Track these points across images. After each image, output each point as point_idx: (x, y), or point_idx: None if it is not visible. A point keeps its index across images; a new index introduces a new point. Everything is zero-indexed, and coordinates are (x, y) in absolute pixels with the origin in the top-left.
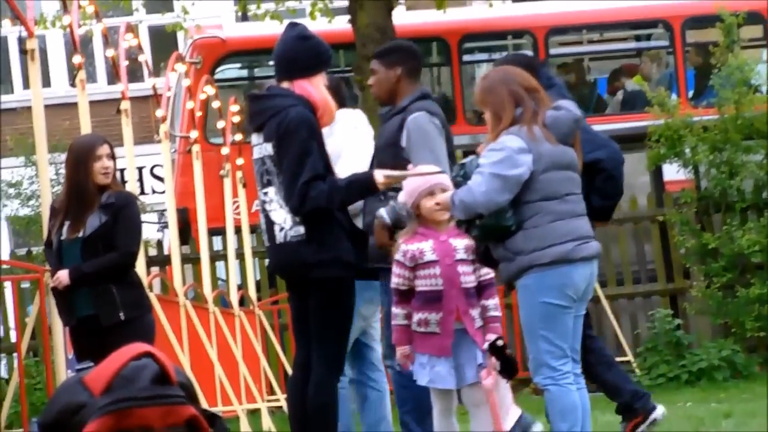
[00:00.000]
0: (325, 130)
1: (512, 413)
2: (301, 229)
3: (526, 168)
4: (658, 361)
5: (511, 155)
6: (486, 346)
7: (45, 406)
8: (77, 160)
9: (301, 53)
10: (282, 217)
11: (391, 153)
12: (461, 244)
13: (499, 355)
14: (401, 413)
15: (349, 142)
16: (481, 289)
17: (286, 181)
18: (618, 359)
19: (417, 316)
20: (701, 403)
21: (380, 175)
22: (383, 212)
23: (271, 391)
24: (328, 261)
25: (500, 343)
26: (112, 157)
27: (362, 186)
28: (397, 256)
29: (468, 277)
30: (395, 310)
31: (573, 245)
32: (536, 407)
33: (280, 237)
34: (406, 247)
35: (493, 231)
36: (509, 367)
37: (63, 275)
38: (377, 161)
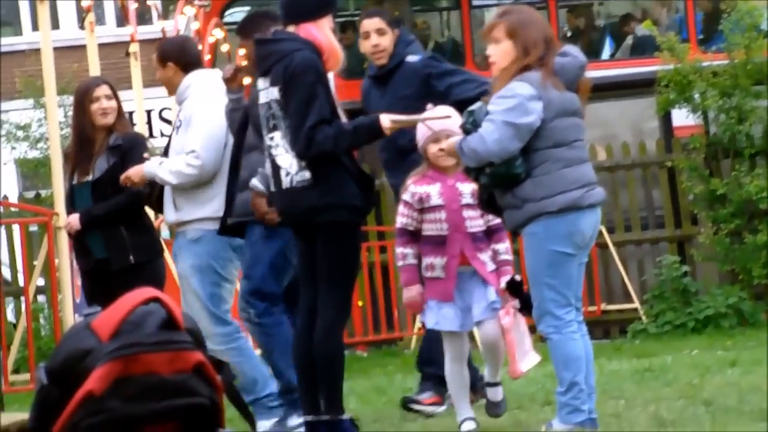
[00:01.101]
0: (177, 97)
1: (530, 358)
2: (307, 174)
3: (537, 115)
4: (665, 309)
5: (523, 102)
6: (503, 285)
7: (52, 351)
8: (77, 103)
9: None
10: (288, 161)
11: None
12: (468, 188)
13: (517, 293)
14: (269, 361)
15: (200, 108)
16: (491, 233)
17: (292, 125)
18: (625, 306)
19: (424, 261)
20: (707, 350)
21: (387, 120)
22: (256, 182)
23: None
24: (335, 205)
25: (518, 278)
26: (114, 97)
27: (369, 130)
28: (405, 196)
29: (474, 222)
30: (404, 250)
31: (582, 192)
32: (543, 354)
33: (286, 182)
34: (414, 188)
35: (503, 179)
36: (528, 304)
37: (74, 219)
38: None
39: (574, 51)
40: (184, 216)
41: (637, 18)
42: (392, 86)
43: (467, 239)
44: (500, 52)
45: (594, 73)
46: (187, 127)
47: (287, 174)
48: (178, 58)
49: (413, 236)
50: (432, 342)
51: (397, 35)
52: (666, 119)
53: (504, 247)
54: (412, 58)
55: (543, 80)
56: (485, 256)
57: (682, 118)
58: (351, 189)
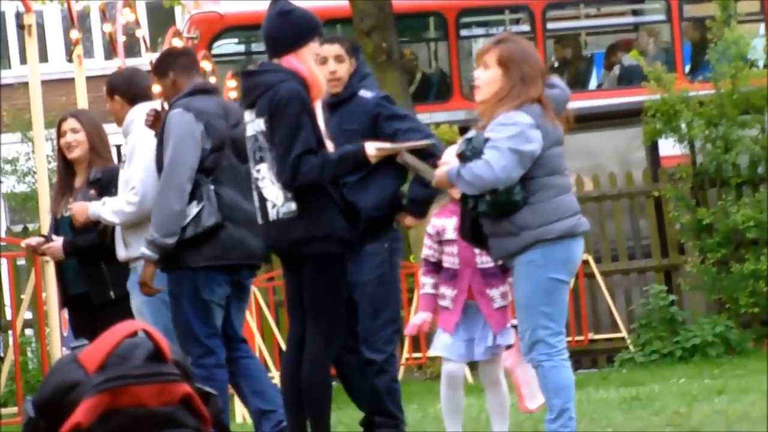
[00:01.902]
0: (123, 131)
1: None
2: (293, 206)
3: (538, 144)
4: (652, 338)
5: (524, 130)
6: (509, 325)
7: (40, 384)
8: (57, 137)
9: (282, 30)
10: (274, 193)
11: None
12: None
13: None
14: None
15: (141, 143)
16: (507, 269)
17: (278, 155)
18: (612, 335)
19: (440, 290)
20: (695, 379)
21: (372, 148)
22: (145, 250)
23: (266, 368)
24: (320, 237)
25: None
26: (82, 129)
27: (354, 159)
28: (428, 228)
29: (486, 257)
30: (423, 279)
31: (576, 220)
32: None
33: (272, 214)
34: (435, 221)
35: (503, 206)
36: None
37: (56, 245)
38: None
39: (561, 83)
40: (133, 253)
41: (623, 48)
42: (339, 117)
43: (477, 275)
44: (487, 78)
45: (581, 104)
46: (130, 162)
47: (273, 206)
48: (124, 90)
49: (434, 266)
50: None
51: (354, 66)
52: (653, 149)
53: None
54: (365, 93)
55: (543, 111)
56: (496, 293)
57: (668, 147)
58: (337, 221)
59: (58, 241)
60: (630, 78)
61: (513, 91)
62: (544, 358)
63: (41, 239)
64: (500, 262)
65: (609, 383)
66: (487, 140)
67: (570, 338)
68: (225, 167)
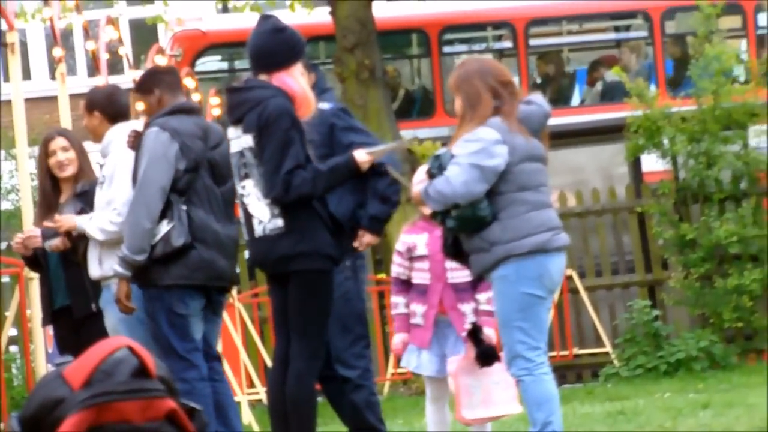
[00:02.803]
0: (101, 150)
1: (490, 409)
2: (280, 222)
3: (502, 159)
4: (637, 352)
5: (487, 146)
6: (464, 332)
7: (24, 401)
8: (39, 157)
9: (276, 46)
10: (260, 210)
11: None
12: None
13: (474, 341)
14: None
15: (122, 164)
16: (476, 284)
17: (268, 171)
18: (596, 350)
19: (410, 307)
20: (679, 393)
21: (361, 155)
22: (117, 267)
23: (251, 384)
24: (307, 253)
25: (480, 326)
26: (71, 147)
27: (345, 168)
28: (398, 246)
29: (458, 273)
30: (395, 299)
31: (549, 235)
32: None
33: (258, 230)
34: (405, 237)
35: (469, 222)
36: (486, 354)
37: (66, 216)
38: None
39: (539, 100)
40: (108, 271)
41: (606, 65)
42: None
43: (448, 290)
44: (457, 106)
45: (564, 120)
46: (110, 183)
47: (260, 222)
48: (104, 107)
49: (405, 284)
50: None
51: (313, 80)
52: (635, 165)
53: (485, 297)
54: (323, 105)
55: (507, 125)
56: (468, 308)
57: (651, 163)
58: (324, 237)
59: (66, 215)
60: (612, 94)
61: (466, 114)
62: (524, 373)
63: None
64: (470, 278)
65: (594, 398)
66: (452, 157)
67: (555, 353)
68: (199, 188)
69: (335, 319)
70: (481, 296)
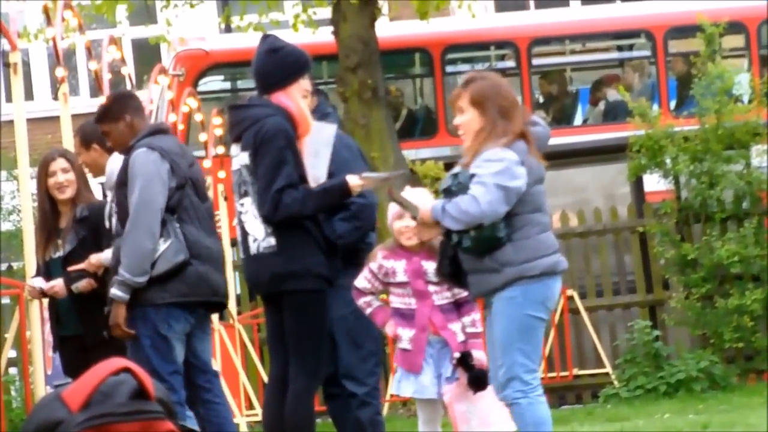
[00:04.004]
0: (106, 183)
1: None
2: (273, 241)
3: (523, 180)
4: (637, 373)
5: (510, 166)
6: (455, 360)
7: (23, 423)
8: (38, 178)
9: (270, 67)
10: (255, 228)
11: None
12: (432, 266)
13: (465, 367)
14: None
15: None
16: (460, 306)
17: (260, 188)
18: (597, 371)
19: (396, 332)
20: (679, 414)
21: (355, 179)
22: (116, 291)
23: (250, 406)
24: (299, 272)
25: (474, 357)
26: (71, 169)
27: (338, 190)
28: (372, 265)
29: (441, 295)
30: (364, 299)
31: (557, 257)
32: None
33: (253, 248)
34: (382, 261)
35: (487, 242)
36: (477, 379)
37: (59, 285)
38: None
39: (541, 120)
40: None
41: (608, 83)
42: None
43: (436, 310)
44: (466, 121)
45: (566, 139)
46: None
47: (254, 240)
48: (101, 139)
49: (364, 293)
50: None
51: (315, 104)
52: (637, 184)
53: (470, 319)
54: None
55: (526, 145)
56: (457, 327)
57: (653, 183)
58: (316, 257)
59: (59, 281)
60: (615, 113)
61: (496, 128)
62: (519, 396)
63: (43, 282)
64: (454, 299)
65: (594, 419)
66: (473, 176)
67: (554, 374)
68: (187, 205)
69: (346, 335)
70: (467, 319)
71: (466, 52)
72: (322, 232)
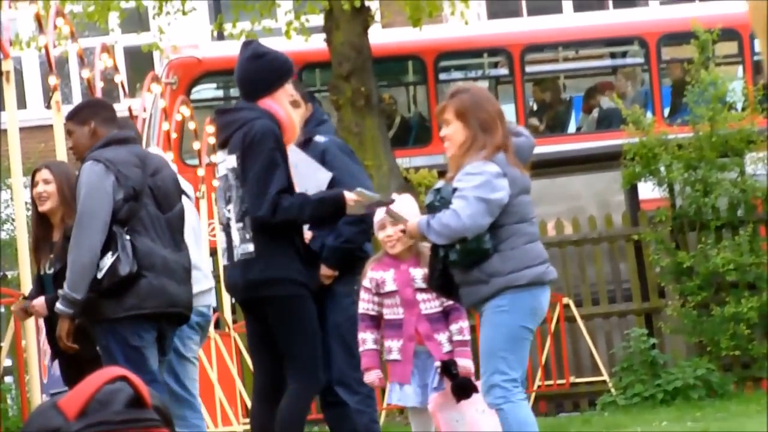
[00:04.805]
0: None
1: None
2: (250, 247)
3: (505, 192)
4: (634, 381)
5: (490, 179)
6: (438, 368)
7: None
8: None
9: (254, 74)
10: (234, 234)
11: None
12: (419, 273)
13: (449, 375)
14: None
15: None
16: (448, 314)
17: (252, 191)
18: (593, 379)
19: (384, 344)
20: (676, 422)
21: (351, 194)
22: (60, 305)
23: (247, 414)
24: (276, 279)
25: (458, 365)
26: (53, 181)
27: (333, 203)
28: (365, 282)
29: (429, 304)
30: (363, 335)
31: (544, 267)
32: None
33: (236, 254)
34: (371, 274)
35: (473, 254)
36: (461, 388)
37: (39, 304)
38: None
39: (525, 131)
40: None
41: (602, 91)
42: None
43: (422, 320)
44: (452, 133)
45: (560, 147)
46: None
47: (234, 247)
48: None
49: (374, 320)
50: None
51: (310, 111)
52: (632, 192)
53: (457, 327)
54: (320, 139)
55: (506, 157)
56: (443, 337)
57: (648, 191)
58: (294, 264)
59: (40, 299)
60: (609, 121)
61: (476, 141)
62: (501, 401)
63: (24, 302)
64: (442, 308)
65: (591, 426)
66: (455, 190)
67: (551, 382)
68: (142, 216)
69: (341, 342)
70: (455, 327)
71: (459, 60)
72: (302, 239)
